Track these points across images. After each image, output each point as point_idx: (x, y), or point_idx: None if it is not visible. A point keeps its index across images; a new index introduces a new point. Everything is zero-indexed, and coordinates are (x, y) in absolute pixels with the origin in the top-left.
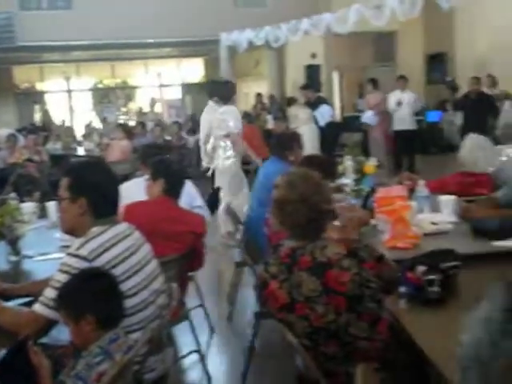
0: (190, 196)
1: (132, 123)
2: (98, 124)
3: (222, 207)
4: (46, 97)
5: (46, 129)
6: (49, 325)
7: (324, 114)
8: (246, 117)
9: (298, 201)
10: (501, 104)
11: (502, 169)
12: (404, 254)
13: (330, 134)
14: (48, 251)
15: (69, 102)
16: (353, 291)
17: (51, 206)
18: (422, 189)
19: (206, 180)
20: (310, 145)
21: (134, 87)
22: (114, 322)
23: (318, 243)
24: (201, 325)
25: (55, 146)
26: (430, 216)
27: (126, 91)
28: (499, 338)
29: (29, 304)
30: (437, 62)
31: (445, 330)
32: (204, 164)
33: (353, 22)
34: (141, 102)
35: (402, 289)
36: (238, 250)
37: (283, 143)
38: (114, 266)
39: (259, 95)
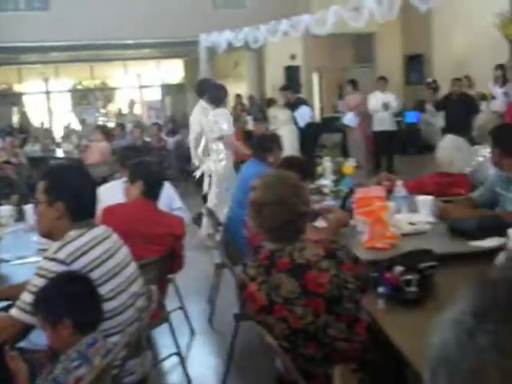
0: (170, 198)
1: (111, 125)
2: (76, 126)
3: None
4: (24, 98)
5: (24, 131)
6: (26, 329)
7: (303, 115)
8: None
9: (275, 203)
10: (477, 105)
11: (479, 169)
12: (382, 255)
13: (309, 135)
14: (25, 255)
15: (47, 103)
16: (331, 292)
17: (29, 209)
18: (399, 189)
19: (185, 181)
20: (290, 146)
21: (114, 88)
22: (92, 326)
23: (296, 245)
24: (181, 327)
25: (34, 148)
26: (408, 216)
27: (106, 92)
28: (467, 340)
29: (6, 308)
30: (415, 64)
31: (422, 329)
32: (196, 163)
33: (331, 24)
34: (120, 103)
35: (380, 289)
36: (218, 251)
37: (263, 145)
38: (91, 270)
39: (239, 96)
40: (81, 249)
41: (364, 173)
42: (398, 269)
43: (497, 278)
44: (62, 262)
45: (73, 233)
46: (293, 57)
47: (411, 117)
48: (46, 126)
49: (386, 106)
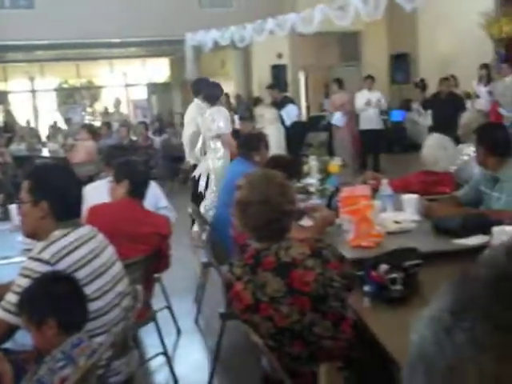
0: (156, 197)
1: (98, 124)
2: (62, 125)
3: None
4: (10, 97)
5: (10, 130)
6: (11, 330)
7: (290, 114)
8: None
9: (260, 202)
10: (465, 104)
11: (463, 168)
12: (368, 253)
13: (296, 134)
14: (10, 255)
15: (33, 102)
16: (317, 291)
17: (14, 208)
18: (385, 188)
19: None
20: (276, 145)
21: (100, 87)
22: (77, 326)
23: (282, 244)
24: (167, 326)
25: (19, 147)
26: (394, 215)
27: (92, 91)
28: (444, 337)
29: None
30: (400, 63)
31: (407, 327)
32: (191, 161)
33: (317, 22)
34: (106, 102)
35: (366, 287)
36: (205, 250)
37: (249, 144)
38: (76, 270)
39: (226, 95)
40: (65, 249)
41: (350, 171)
42: (383, 267)
43: (474, 276)
44: (46, 262)
45: (57, 233)
46: (279, 55)
47: (397, 115)
48: (32, 124)
49: (368, 103)
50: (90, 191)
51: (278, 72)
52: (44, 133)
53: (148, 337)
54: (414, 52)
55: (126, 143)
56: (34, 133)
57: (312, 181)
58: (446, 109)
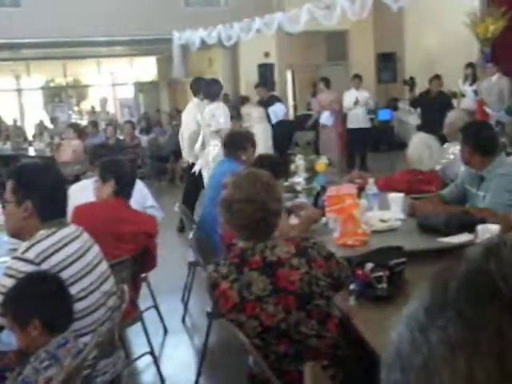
0: (142, 196)
1: (84, 123)
2: (49, 124)
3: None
4: None
5: None
6: None
7: (277, 112)
8: None
9: (245, 201)
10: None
11: (449, 167)
12: (353, 252)
13: (283, 133)
14: None
15: (19, 101)
16: (302, 290)
17: None
18: (371, 186)
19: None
20: (264, 144)
21: (86, 86)
22: (62, 326)
23: (268, 243)
24: (154, 326)
25: (5, 147)
26: (379, 213)
27: (78, 90)
28: (419, 336)
29: None
30: (387, 62)
31: (393, 326)
32: (190, 160)
33: (304, 22)
34: (93, 101)
35: (352, 286)
36: (191, 249)
37: (237, 143)
38: (61, 269)
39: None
40: (50, 248)
41: (337, 170)
42: (369, 266)
43: (449, 275)
44: (31, 261)
45: (42, 232)
46: (266, 55)
47: (384, 114)
48: (18, 123)
49: (357, 102)
50: (75, 191)
51: (265, 71)
52: (30, 132)
53: (135, 336)
54: (401, 51)
55: (113, 142)
56: (19, 132)
57: (299, 180)
58: (436, 107)
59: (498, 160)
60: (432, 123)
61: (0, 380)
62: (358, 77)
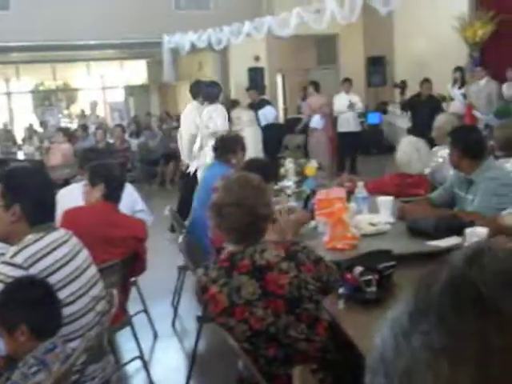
0: (132, 200)
1: (74, 126)
2: (38, 127)
3: None
4: None
5: None
6: None
7: (267, 115)
8: None
9: (235, 204)
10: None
11: (438, 170)
12: (343, 255)
13: (273, 136)
14: None
15: (8, 104)
16: (291, 294)
17: None
18: (360, 190)
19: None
20: (254, 147)
21: (76, 89)
22: (50, 331)
23: (257, 247)
24: (144, 330)
25: None
26: (369, 217)
27: (68, 93)
28: (402, 340)
29: None
30: (377, 65)
31: (380, 329)
32: (189, 163)
33: (294, 26)
34: (83, 104)
35: (341, 289)
36: (181, 253)
37: (226, 146)
38: (50, 274)
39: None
40: (39, 253)
41: (327, 174)
42: (358, 269)
43: (433, 279)
44: (19, 266)
45: (31, 236)
46: (256, 58)
47: (373, 118)
48: (7, 127)
49: (351, 106)
50: (64, 195)
51: (256, 75)
52: (19, 135)
53: (124, 341)
54: (390, 55)
55: (103, 146)
56: (9, 135)
57: (289, 183)
58: (426, 111)
59: (486, 164)
60: (422, 126)
61: None
62: (348, 80)
